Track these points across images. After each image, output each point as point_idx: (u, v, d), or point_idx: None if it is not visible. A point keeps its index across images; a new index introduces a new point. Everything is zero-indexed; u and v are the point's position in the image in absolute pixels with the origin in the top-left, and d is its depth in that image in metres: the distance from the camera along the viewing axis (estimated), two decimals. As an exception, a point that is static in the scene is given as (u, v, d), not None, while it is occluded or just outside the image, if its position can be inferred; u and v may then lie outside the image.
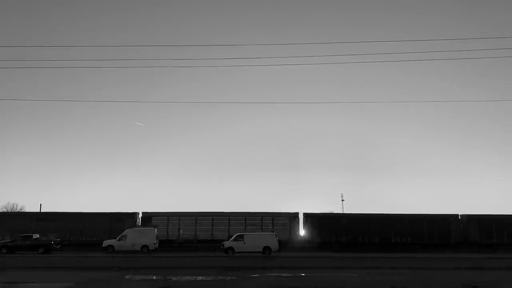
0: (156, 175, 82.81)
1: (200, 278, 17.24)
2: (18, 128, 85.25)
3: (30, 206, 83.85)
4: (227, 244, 32.85)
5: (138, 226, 37.94)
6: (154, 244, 34.17)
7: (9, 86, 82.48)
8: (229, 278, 17.23)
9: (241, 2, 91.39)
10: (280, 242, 34.72)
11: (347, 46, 54.39)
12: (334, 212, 51.08)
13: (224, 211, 40.55)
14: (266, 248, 32.35)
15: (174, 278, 17.06)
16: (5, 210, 58.26)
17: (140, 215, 40.19)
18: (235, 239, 33.03)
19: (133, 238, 33.88)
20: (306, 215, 40.49)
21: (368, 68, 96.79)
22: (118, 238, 34.25)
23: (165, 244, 38.31)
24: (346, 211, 56.89)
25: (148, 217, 39.63)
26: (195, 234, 39.34)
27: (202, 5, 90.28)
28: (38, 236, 34.30)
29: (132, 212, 40.11)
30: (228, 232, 39.36)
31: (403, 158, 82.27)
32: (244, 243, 32.50)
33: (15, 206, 60.73)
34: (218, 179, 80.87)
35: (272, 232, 35.58)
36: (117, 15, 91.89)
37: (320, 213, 41.66)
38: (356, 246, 38.17)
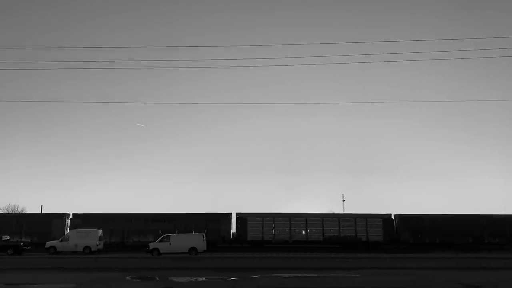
0: (157, 175, 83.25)
1: (201, 279, 17.32)
2: (19, 129, 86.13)
3: (31, 207, 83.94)
4: (152, 245, 32.52)
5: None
6: (97, 245, 34.13)
7: (10, 87, 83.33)
8: (231, 279, 17.14)
9: (241, 3, 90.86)
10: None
11: (347, 46, 53.60)
12: (335, 212, 50.64)
13: (319, 212, 40.54)
14: (192, 249, 32.14)
15: (175, 280, 17.12)
16: (6, 211, 56.89)
17: (234, 216, 40.47)
18: (161, 240, 32.69)
19: (75, 239, 33.97)
20: (399, 217, 40.18)
21: (368, 69, 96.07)
22: (60, 239, 34.46)
23: (260, 245, 38.71)
24: (346, 211, 56.39)
25: (243, 218, 39.88)
26: (290, 234, 39.48)
27: (202, 6, 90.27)
28: (8, 238, 34.94)
29: (226, 213, 40.42)
30: (323, 233, 39.48)
31: (402, 159, 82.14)
32: (170, 244, 32.25)
33: (16, 207, 59.91)
34: (218, 180, 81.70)
35: (200, 234, 34.09)
36: (117, 16, 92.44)
37: (413, 215, 41.10)
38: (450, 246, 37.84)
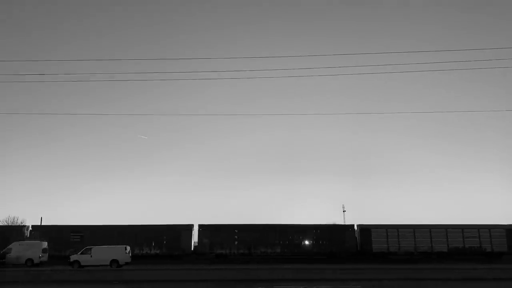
0: (156, 187, 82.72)
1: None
2: (17, 141, 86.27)
3: (31, 219, 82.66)
4: (73, 257, 32.53)
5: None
6: (40, 257, 33.84)
7: (9, 99, 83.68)
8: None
9: (241, 14, 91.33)
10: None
11: (346, 58, 52.99)
12: (337, 223, 50.66)
13: (441, 223, 41.04)
14: (114, 261, 32.26)
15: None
16: (5, 223, 55.91)
17: (356, 227, 41.39)
18: (83, 252, 32.65)
19: (17, 251, 33.76)
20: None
21: (367, 79, 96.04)
22: (2, 252, 34.13)
23: (385, 256, 39.49)
24: (348, 222, 55.70)
25: (367, 229, 40.75)
26: (415, 246, 40.08)
27: (204, 18, 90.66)
28: None
29: (349, 224, 41.47)
30: (447, 244, 39.93)
31: (403, 168, 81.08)
32: (91, 256, 32.28)
33: (15, 219, 58.86)
34: (217, 190, 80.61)
35: (124, 246, 34.15)
36: (118, 29, 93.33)
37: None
38: None
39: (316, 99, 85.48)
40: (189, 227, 41.70)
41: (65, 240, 40.27)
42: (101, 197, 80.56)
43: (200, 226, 41.52)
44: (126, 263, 32.97)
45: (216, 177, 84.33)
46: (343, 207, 66.64)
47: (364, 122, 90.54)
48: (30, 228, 41.48)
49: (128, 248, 34.23)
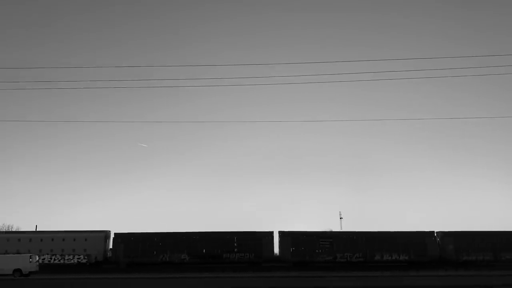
0: (153, 195, 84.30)
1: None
2: (14, 149, 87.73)
3: (25, 227, 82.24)
4: None
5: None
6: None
7: (7, 106, 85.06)
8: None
9: (243, 22, 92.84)
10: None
11: (342, 65, 54.52)
12: (333, 230, 51.86)
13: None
14: (17, 271, 31.92)
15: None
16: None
17: (435, 234, 42.14)
18: None
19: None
20: None
21: (367, 86, 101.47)
22: None
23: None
24: (344, 229, 56.59)
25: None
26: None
27: (206, 26, 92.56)
28: None
29: (430, 231, 42.16)
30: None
31: (400, 176, 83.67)
32: None
33: (10, 227, 59.17)
34: (214, 198, 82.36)
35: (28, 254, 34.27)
36: (120, 36, 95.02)
37: None
38: None
39: (313, 106, 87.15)
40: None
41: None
42: (97, 204, 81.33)
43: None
44: (31, 272, 32.24)
45: (211, 184, 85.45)
46: (340, 214, 65.16)
47: (362, 129, 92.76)
48: (278, 234, 42.57)
49: (35, 257, 33.45)
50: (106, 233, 43.61)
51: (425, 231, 41.82)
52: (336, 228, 61.54)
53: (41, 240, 42.96)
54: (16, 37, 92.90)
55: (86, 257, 42.30)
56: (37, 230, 44.02)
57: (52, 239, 42.96)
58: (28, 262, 32.65)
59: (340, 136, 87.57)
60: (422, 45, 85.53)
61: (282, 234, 42.56)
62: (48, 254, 42.49)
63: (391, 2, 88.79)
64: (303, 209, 78.48)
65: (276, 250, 43.13)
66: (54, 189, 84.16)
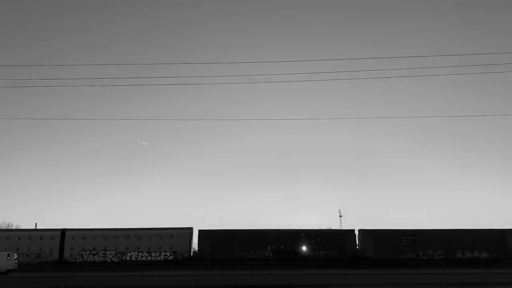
0: (152, 192, 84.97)
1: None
2: (14, 147, 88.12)
3: (25, 225, 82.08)
4: None
5: None
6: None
7: (6, 104, 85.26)
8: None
9: (243, 19, 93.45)
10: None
11: (342, 63, 55.44)
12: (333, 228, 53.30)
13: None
14: None
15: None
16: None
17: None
18: None
19: None
20: None
21: (365, 84, 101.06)
22: None
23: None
24: (344, 227, 57.83)
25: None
26: None
27: (205, 24, 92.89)
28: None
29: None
30: None
31: (400, 172, 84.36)
32: None
33: (10, 225, 60.86)
34: (213, 195, 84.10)
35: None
36: (119, 33, 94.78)
37: None
38: None
39: (313, 104, 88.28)
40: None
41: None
42: (96, 201, 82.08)
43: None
44: (9, 271, 31.74)
45: (208, 181, 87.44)
46: (340, 212, 65.79)
47: (361, 127, 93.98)
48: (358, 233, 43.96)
49: (13, 255, 33.23)
50: (190, 230, 44.54)
51: (505, 229, 43.17)
52: (335, 226, 62.08)
53: (127, 237, 43.81)
54: (14, 35, 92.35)
55: (172, 254, 43.27)
56: (124, 228, 44.72)
57: (139, 237, 43.83)
58: (6, 260, 31.99)
59: (339, 135, 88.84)
60: (421, 44, 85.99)
61: (363, 232, 43.76)
62: (135, 251, 43.44)
63: (391, 2, 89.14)
64: (302, 207, 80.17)
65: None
66: (55, 187, 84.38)
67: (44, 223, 75.76)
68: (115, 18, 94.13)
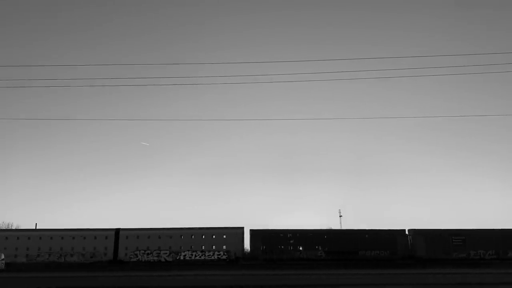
0: (152, 191, 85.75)
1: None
2: (14, 147, 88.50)
3: (25, 225, 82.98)
4: None
5: None
6: None
7: (7, 104, 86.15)
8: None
9: (243, 19, 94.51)
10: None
11: (343, 63, 56.01)
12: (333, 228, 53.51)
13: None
14: None
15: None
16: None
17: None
18: None
19: None
20: None
21: (365, 84, 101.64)
22: None
23: None
24: (344, 227, 58.32)
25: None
26: None
27: (205, 24, 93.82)
28: None
29: None
30: None
31: (400, 172, 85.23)
32: None
33: (10, 225, 60.68)
34: (214, 195, 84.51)
35: None
36: (119, 34, 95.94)
37: None
38: None
39: (314, 104, 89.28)
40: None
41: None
42: (97, 201, 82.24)
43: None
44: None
45: (209, 181, 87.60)
46: (340, 212, 65.86)
47: (362, 127, 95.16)
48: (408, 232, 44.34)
49: (1, 255, 33.02)
50: (242, 230, 45.06)
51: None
52: (336, 226, 62.02)
53: (181, 237, 44.37)
54: (14, 35, 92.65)
55: (225, 253, 43.81)
56: (177, 227, 45.25)
57: (192, 236, 44.39)
58: None
59: (340, 134, 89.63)
60: (421, 44, 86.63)
61: (414, 232, 44.27)
62: (188, 251, 43.98)
63: (391, 2, 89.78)
64: (302, 207, 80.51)
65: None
66: (54, 187, 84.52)
67: (44, 223, 76.01)
68: (115, 18, 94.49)
